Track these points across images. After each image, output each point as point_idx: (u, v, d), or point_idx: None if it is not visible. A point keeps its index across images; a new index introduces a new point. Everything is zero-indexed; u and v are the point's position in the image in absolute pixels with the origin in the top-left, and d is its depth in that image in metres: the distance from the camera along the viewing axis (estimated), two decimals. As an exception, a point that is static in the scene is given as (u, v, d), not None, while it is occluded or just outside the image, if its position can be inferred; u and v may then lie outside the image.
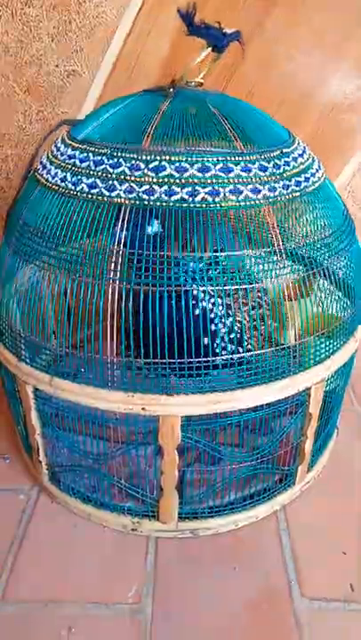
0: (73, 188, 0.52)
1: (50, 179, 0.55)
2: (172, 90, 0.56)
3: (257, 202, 0.50)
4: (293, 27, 0.83)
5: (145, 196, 0.49)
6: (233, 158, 0.51)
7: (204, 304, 0.58)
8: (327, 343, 0.59)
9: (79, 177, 0.52)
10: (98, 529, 0.63)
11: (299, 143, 0.59)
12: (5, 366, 0.60)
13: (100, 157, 0.52)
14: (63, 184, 0.53)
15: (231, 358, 0.52)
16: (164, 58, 0.85)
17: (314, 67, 0.87)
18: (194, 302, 0.56)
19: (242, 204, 0.50)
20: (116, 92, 0.86)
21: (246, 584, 0.58)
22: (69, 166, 0.54)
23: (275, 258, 0.52)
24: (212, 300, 0.59)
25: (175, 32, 0.83)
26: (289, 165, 0.54)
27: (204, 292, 0.56)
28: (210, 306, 0.59)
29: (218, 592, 0.57)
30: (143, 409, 0.52)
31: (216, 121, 0.53)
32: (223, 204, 0.49)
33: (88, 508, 0.63)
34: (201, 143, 0.51)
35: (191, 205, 0.49)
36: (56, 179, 0.54)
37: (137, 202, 0.49)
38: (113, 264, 0.50)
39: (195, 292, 0.54)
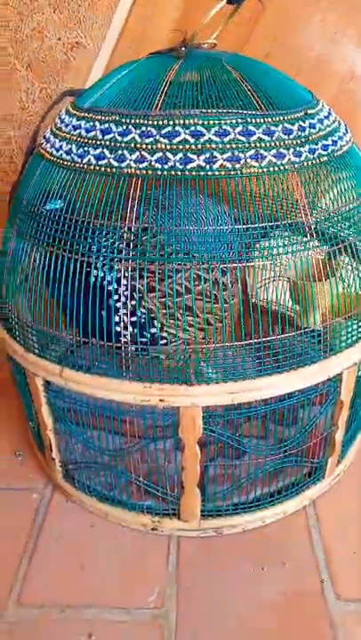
0: (79, 160, 0.47)
1: (54, 152, 0.50)
2: (183, 49, 0.51)
3: (282, 168, 0.45)
4: None
5: (158, 165, 0.44)
6: (254, 120, 0.46)
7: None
8: (358, 324, 0.54)
9: (86, 148, 0.47)
10: (116, 528, 0.59)
11: (323, 105, 0.54)
12: (14, 358, 0.56)
13: (107, 125, 0.47)
14: (69, 157, 0.48)
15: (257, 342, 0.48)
16: (173, 25, 0.79)
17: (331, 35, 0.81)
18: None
19: (265, 170, 0.45)
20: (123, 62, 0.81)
21: (276, 585, 0.53)
22: (75, 137, 0.49)
23: (301, 232, 0.47)
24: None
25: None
26: (315, 128, 0.49)
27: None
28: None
29: (246, 594, 0.53)
30: (161, 400, 0.48)
31: (233, 81, 0.48)
32: (244, 171, 0.44)
33: (105, 507, 0.59)
34: (218, 106, 0.46)
35: (209, 173, 0.44)
36: (61, 152, 0.50)
37: (149, 172, 0.44)
38: (125, 243, 0.45)
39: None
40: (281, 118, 0.47)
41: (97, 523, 0.60)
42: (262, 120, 0.46)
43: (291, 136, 0.47)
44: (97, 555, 0.57)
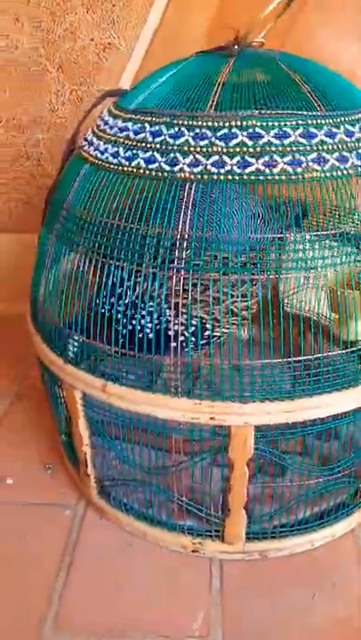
0: (127, 163, 0.45)
1: (99, 155, 0.48)
2: (236, 48, 0.48)
3: (345, 172, 0.43)
4: None
5: (214, 169, 0.42)
6: (315, 121, 0.43)
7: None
8: None
9: (134, 151, 0.45)
10: (154, 549, 0.56)
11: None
12: (49, 368, 0.54)
13: (157, 127, 0.45)
14: (115, 160, 0.46)
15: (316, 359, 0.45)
16: (208, 26, 0.77)
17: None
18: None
19: (328, 174, 0.42)
20: (156, 65, 0.79)
21: (327, 613, 0.50)
22: (122, 139, 0.47)
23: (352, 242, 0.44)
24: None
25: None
26: (377, 130, 0.46)
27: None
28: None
29: (296, 622, 0.50)
30: (212, 418, 0.45)
31: (290, 81, 0.46)
32: (306, 176, 0.42)
33: (143, 526, 0.57)
34: (276, 106, 0.43)
35: (269, 178, 0.41)
36: (106, 154, 0.47)
37: (205, 176, 0.42)
38: (177, 251, 0.42)
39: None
40: (342, 119, 0.44)
41: (134, 542, 0.57)
42: (323, 121, 0.43)
43: (353, 138, 0.44)
44: (135, 577, 0.54)
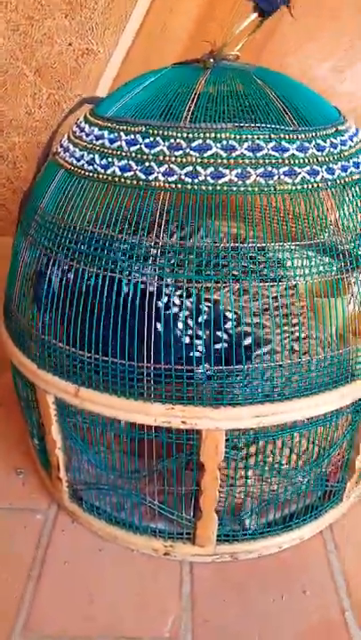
0: (102, 171, 0.46)
1: (74, 162, 0.48)
2: (212, 61, 0.50)
3: (315, 185, 0.44)
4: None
5: (188, 180, 0.43)
6: (287, 136, 0.44)
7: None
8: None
9: (109, 159, 0.46)
10: (126, 553, 0.57)
11: (350, 122, 0.53)
12: (22, 374, 0.54)
13: (132, 136, 0.45)
14: (91, 167, 0.47)
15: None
16: (187, 36, 0.78)
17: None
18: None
19: (298, 187, 0.44)
20: (134, 73, 0.80)
21: (296, 614, 0.51)
22: (97, 147, 0.47)
23: (328, 253, 0.46)
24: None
25: (198, 8, 0.77)
26: (345, 145, 0.48)
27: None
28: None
29: (265, 623, 0.51)
30: (183, 422, 0.46)
31: (264, 95, 0.47)
32: (278, 188, 0.43)
33: (115, 530, 0.57)
34: (250, 120, 0.45)
35: (242, 189, 0.42)
36: (82, 162, 0.48)
37: (179, 186, 0.43)
38: (152, 258, 0.43)
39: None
40: (313, 134, 0.46)
41: (106, 546, 0.57)
42: (296, 136, 0.45)
43: (323, 153, 0.45)
44: (106, 581, 0.54)
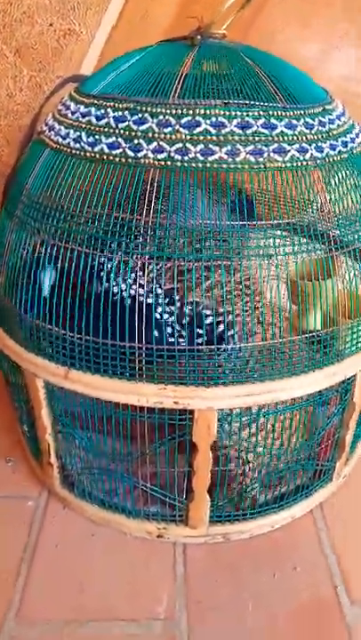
0: (90, 149, 0.45)
1: (60, 140, 0.47)
2: (199, 37, 0.49)
3: (304, 163, 0.44)
4: None
5: (177, 157, 0.42)
6: (276, 113, 0.44)
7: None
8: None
9: (97, 136, 0.45)
10: (119, 537, 0.57)
11: (337, 102, 0.53)
12: (9, 357, 0.53)
13: (120, 113, 0.44)
14: (77, 145, 0.46)
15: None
16: (172, 15, 0.77)
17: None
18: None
19: (288, 164, 0.43)
20: (117, 53, 0.78)
21: (288, 592, 0.52)
22: (84, 125, 0.46)
23: (312, 232, 0.46)
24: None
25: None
26: (333, 124, 0.48)
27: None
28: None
29: (258, 602, 0.51)
30: (176, 402, 0.46)
31: (253, 73, 0.47)
32: (268, 165, 0.43)
33: (107, 515, 0.57)
34: (239, 97, 0.44)
35: (232, 166, 0.42)
36: (68, 139, 0.47)
37: (168, 163, 0.42)
38: (141, 237, 0.43)
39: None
40: (302, 112, 0.45)
41: (99, 531, 0.57)
42: (284, 113, 0.44)
43: (312, 131, 0.45)
44: (100, 565, 0.54)
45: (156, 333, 0.44)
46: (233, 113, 0.43)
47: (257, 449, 0.51)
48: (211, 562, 0.55)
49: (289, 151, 0.43)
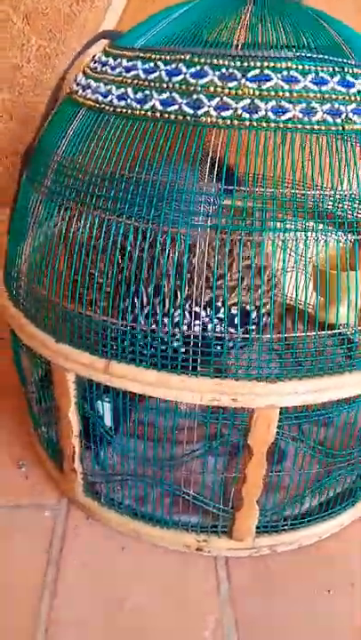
0: (138, 106, 0.39)
1: (100, 98, 0.41)
2: (257, -13, 0.43)
3: (385, 127, 0.39)
4: None
5: (245, 115, 0.36)
6: (352, 70, 0.39)
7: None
8: None
9: (146, 92, 0.39)
10: (153, 551, 0.51)
11: None
12: (33, 350, 0.46)
13: (174, 65, 0.39)
14: (123, 102, 0.39)
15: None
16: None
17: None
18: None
19: (367, 128, 0.38)
20: (136, 21, 0.72)
21: (345, 609, 0.47)
22: (129, 80, 0.40)
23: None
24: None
25: None
26: None
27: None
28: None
29: (315, 619, 0.46)
30: (234, 400, 0.40)
31: (320, 27, 0.41)
32: (347, 127, 0.37)
33: (138, 526, 0.51)
34: (309, 50, 0.39)
35: (308, 127, 0.37)
36: (110, 96, 0.40)
37: (235, 122, 0.36)
38: (202, 209, 0.37)
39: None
40: (376, 71, 0.40)
41: (128, 544, 0.51)
42: (359, 71, 0.39)
43: (389, 92, 0.40)
44: (133, 583, 0.48)
45: (217, 322, 0.38)
46: (307, 67, 0.37)
47: (315, 451, 0.46)
48: (258, 577, 0.49)
49: (368, 113, 0.38)
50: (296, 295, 0.52)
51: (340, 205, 0.40)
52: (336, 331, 0.42)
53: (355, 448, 0.49)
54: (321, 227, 0.38)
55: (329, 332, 0.41)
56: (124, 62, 0.42)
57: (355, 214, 0.42)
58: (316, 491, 0.51)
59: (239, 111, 0.36)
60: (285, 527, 0.50)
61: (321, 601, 0.47)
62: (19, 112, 0.79)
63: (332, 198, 0.39)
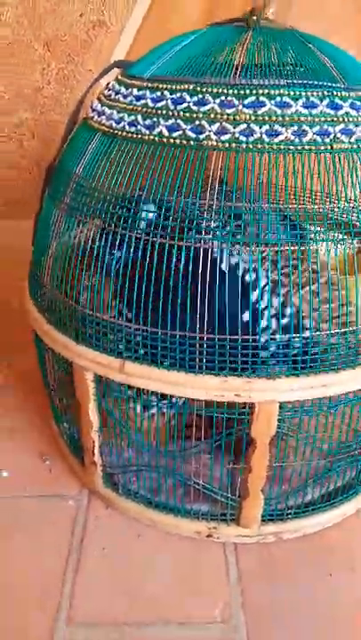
0: (147, 132, 0.43)
1: (113, 124, 0.46)
2: (255, 18, 0.47)
3: (372, 145, 0.42)
4: None
5: (242, 138, 0.41)
6: (340, 94, 0.43)
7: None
8: None
9: (154, 119, 0.43)
10: (166, 537, 0.55)
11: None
12: (55, 350, 0.51)
13: (179, 95, 0.43)
14: (133, 128, 0.44)
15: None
16: (205, 6, 0.76)
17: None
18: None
19: (354, 146, 0.42)
20: (148, 46, 0.77)
21: (347, 591, 0.50)
22: (139, 108, 0.45)
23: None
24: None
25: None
26: (394, 106, 0.46)
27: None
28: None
29: (318, 602, 0.49)
30: (237, 395, 0.44)
31: (311, 54, 0.45)
32: (335, 147, 0.41)
33: (154, 515, 0.55)
34: (302, 77, 0.43)
35: (299, 147, 0.40)
36: (123, 123, 0.45)
37: (233, 145, 0.41)
38: (206, 222, 0.41)
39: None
40: (364, 93, 0.44)
41: (144, 531, 0.55)
42: (348, 94, 0.43)
43: (376, 112, 0.44)
44: (149, 567, 0.52)
45: (225, 323, 0.42)
46: (298, 93, 0.41)
47: (315, 443, 0.49)
48: (264, 562, 0.53)
49: (355, 132, 0.42)
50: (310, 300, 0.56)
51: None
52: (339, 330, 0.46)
53: (353, 441, 0.52)
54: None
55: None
56: (135, 91, 0.46)
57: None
58: (318, 482, 0.54)
59: (237, 135, 0.41)
60: (290, 516, 0.54)
61: (322, 585, 0.51)
62: (40, 131, 0.85)
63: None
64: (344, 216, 0.45)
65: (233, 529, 0.53)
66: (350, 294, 0.53)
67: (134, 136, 0.44)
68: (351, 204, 0.44)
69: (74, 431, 0.59)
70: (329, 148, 0.41)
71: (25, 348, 0.67)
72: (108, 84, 0.52)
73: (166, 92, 0.44)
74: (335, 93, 0.42)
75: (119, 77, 0.50)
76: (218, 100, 0.42)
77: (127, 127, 0.45)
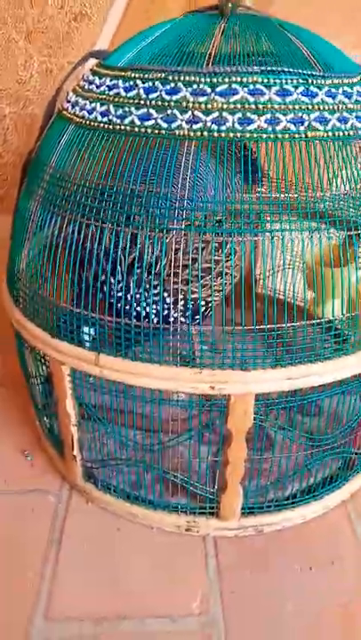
0: (119, 122, 0.43)
1: (86, 114, 0.45)
2: (230, 5, 0.47)
3: (346, 133, 0.42)
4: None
5: (214, 127, 0.40)
6: (315, 81, 0.42)
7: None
8: None
9: (126, 108, 0.43)
10: (145, 531, 0.54)
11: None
12: (32, 345, 0.50)
13: (151, 84, 0.42)
14: (105, 118, 0.43)
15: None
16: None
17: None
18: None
19: (329, 134, 0.41)
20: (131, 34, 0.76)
21: (326, 585, 0.50)
22: (111, 98, 0.44)
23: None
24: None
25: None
26: (371, 95, 0.46)
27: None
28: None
29: (296, 595, 0.49)
30: (212, 387, 0.43)
31: (288, 41, 0.45)
32: (309, 135, 0.41)
33: (133, 508, 0.54)
34: (276, 64, 0.42)
35: (272, 136, 0.40)
36: (95, 113, 0.44)
37: (205, 133, 0.40)
38: (178, 212, 0.40)
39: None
40: (340, 81, 0.43)
41: (124, 526, 0.55)
42: (323, 82, 0.42)
43: (352, 100, 0.43)
44: (128, 560, 0.52)
45: (192, 314, 0.41)
46: (271, 80, 0.41)
47: (293, 435, 0.49)
48: (243, 555, 0.52)
49: (330, 120, 0.41)
50: (285, 290, 0.56)
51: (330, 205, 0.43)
52: (316, 320, 0.45)
53: (334, 432, 0.52)
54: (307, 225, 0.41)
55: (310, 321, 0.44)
56: (107, 81, 0.45)
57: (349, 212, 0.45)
58: (298, 474, 0.54)
59: (208, 123, 0.40)
60: (271, 509, 0.53)
61: (302, 577, 0.50)
62: (22, 123, 0.84)
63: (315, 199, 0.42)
64: (320, 205, 0.44)
65: (213, 522, 0.53)
66: (331, 285, 0.53)
67: (106, 126, 0.43)
68: (327, 194, 0.43)
69: (54, 426, 0.58)
70: (303, 136, 0.41)
71: (9, 345, 0.67)
72: (83, 75, 0.51)
73: (138, 81, 0.43)
74: (310, 81, 0.42)
75: (94, 68, 0.50)
76: (190, 89, 0.41)
77: (99, 117, 0.44)
